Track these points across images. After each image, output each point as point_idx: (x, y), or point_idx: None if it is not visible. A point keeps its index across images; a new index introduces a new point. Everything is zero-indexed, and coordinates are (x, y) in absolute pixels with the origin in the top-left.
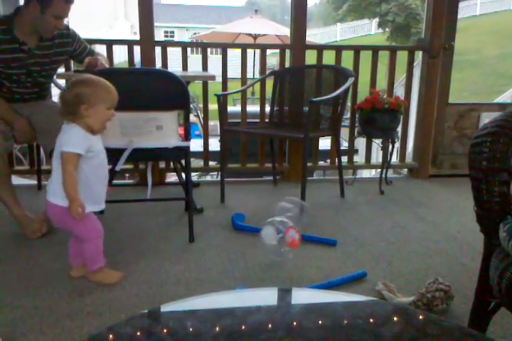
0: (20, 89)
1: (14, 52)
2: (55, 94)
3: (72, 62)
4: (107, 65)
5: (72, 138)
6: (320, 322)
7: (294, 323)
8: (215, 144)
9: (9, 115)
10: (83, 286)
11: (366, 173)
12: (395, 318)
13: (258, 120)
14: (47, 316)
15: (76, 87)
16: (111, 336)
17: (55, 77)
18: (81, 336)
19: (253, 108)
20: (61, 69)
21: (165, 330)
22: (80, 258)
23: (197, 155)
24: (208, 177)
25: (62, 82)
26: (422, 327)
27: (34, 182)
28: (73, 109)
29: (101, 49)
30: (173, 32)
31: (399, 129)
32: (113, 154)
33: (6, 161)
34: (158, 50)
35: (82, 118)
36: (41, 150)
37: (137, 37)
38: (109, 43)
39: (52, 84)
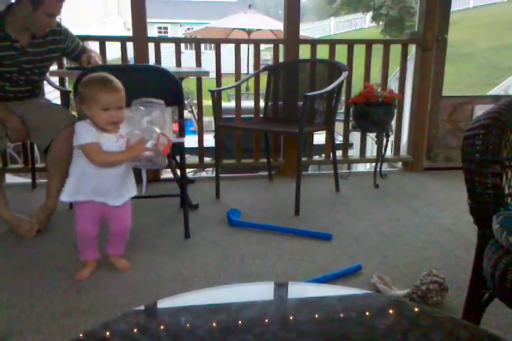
0: (13, 87)
1: (6, 50)
2: (48, 91)
3: (64, 59)
4: (100, 62)
5: (79, 132)
6: (314, 315)
7: (288, 317)
8: (210, 140)
9: (2, 113)
10: (79, 284)
11: (361, 167)
12: (389, 311)
13: (252, 115)
14: (43, 314)
15: (79, 86)
16: (106, 332)
17: (47, 74)
18: (77, 333)
19: (248, 103)
20: (54, 67)
21: (160, 326)
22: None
23: (192, 151)
24: (204, 174)
25: (55, 79)
26: (416, 319)
27: (28, 180)
28: (79, 108)
29: (94, 46)
30: (166, 28)
31: (393, 123)
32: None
33: None
34: (151, 46)
35: (87, 116)
36: (35, 148)
37: (130, 33)
38: (102, 40)
39: (45, 82)
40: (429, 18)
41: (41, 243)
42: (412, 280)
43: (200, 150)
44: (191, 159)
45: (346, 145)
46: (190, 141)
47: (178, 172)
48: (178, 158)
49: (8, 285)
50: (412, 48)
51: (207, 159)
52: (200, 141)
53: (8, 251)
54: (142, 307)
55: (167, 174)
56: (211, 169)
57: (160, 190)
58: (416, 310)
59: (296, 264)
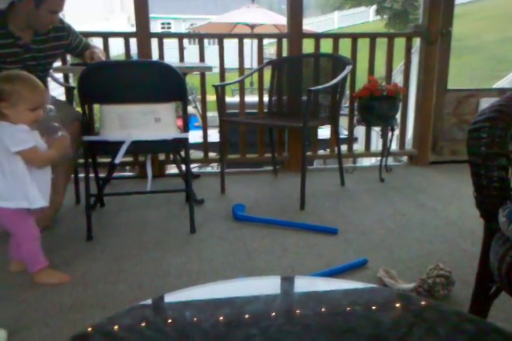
0: None
1: (10, 47)
2: (52, 88)
3: (68, 55)
4: (104, 58)
5: (17, 136)
6: (319, 309)
7: (294, 311)
8: (214, 135)
9: None
10: (86, 279)
11: (366, 161)
12: (394, 304)
13: (256, 110)
14: (50, 309)
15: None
16: (112, 326)
17: (51, 71)
18: (84, 328)
19: (252, 98)
20: (58, 63)
21: (165, 320)
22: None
23: (197, 146)
24: (208, 169)
25: (59, 75)
26: (421, 313)
27: None
28: None
29: (97, 42)
30: (169, 23)
31: (398, 116)
32: (112, 147)
33: None
34: (154, 41)
35: (3, 116)
36: None
37: (134, 29)
38: (105, 36)
39: (50, 79)
40: (433, 11)
41: (48, 239)
42: (419, 274)
43: (205, 146)
44: (196, 154)
45: (351, 139)
46: (195, 136)
47: (183, 167)
48: (182, 153)
49: (15, 281)
50: (417, 42)
51: (211, 154)
52: (205, 136)
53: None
54: (148, 302)
55: (172, 169)
56: (216, 164)
57: (165, 185)
58: (421, 303)
59: (302, 258)
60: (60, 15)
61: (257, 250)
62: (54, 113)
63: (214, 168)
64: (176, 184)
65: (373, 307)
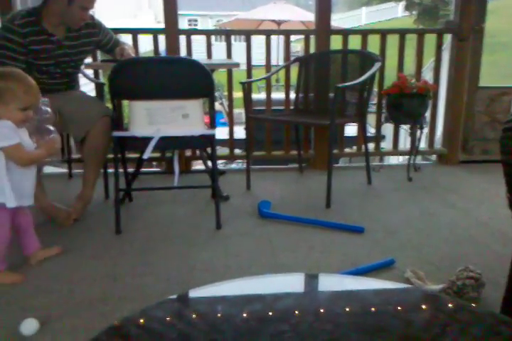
0: (50, 80)
1: (43, 44)
2: (83, 83)
3: (98, 52)
4: (133, 55)
5: (1, 132)
6: (350, 308)
7: (324, 308)
8: (239, 132)
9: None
10: (115, 271)
11: (393, 160)
12: (426, 305)
13: (283, 107)
14: (81, 300)
15: None
16: (143, 318)
17: (82, 67)
18: (114, 320)
19: (278, 95)
20: (88, 60)
21: (196, 314)
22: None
23: (222, 143)
24: (233, 165)
25: (89, 72)
26: (454, 313)
27: (65, 170)
28: None
29: (126, 38)
30: (196, 20)
31: (427, 114)
32: (140, 142)
33: None
34: (182, 38)
35: None
36: (71, 139)
37: (161, 25)
38: (135, 32)
39: (80, 74)
40: (465, 7)
41: (78, 232)
42: (447, 276)
43: (231, 142)
44: (221, 151)
45: (378, 137)
46: (220, 132)
47: (209, 163)
48: (208, 149)
49: (47, 272)
50: (447, 38)
51: (237, 151)
52: (231, 132)
53: (47, 239)
54: (179, 295)
55: (198, 165)
56: (241, 161)
57: (191, 181)
58: (454, 304)
59: (328, 257)
60: (91, 12)
61: (282, 247)
62: (49, 115)
63: (239, 164)
64: (201, 180)
65: (405, 308)
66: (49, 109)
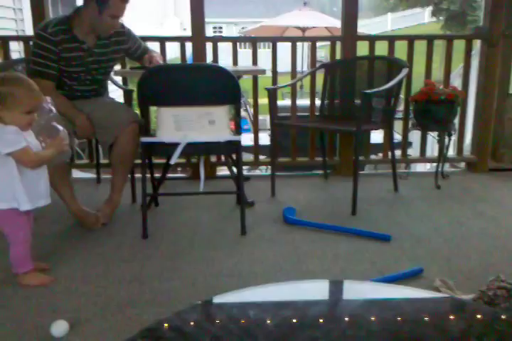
0: (81, 86)
1: (74, 51)
2: (111, 90)
3: (126, 59)
4: (161, 62)
5: (7, 138)
6: (384, 315)
7: (357, 316)
8: (263, 138)
9: (71, 112)
10: (142, 275)
11: (420, 167)
12: (463, 314)
13: (307, 113)
14: (108, 303)
15: None
16: (178, 321)
17: (112, 74)
18: (141, 323)
19: (302, 101)
20: (117, 67)
21: (229, 318)
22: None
23: (246, 149)
24: (257, 172)
25: (118, 78)
26: (491, 323)
27: (93, 175)
28: None
29: (153, 46)
30: (221, 27)
31: (456, 121)
32: (167, 148)
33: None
34: (208, 45)
35: None
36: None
37: (186, 33)
38: (162, 40)
39: (109, 81)
40: (495, 12)
41: (106, 236)
42: (477, 285)
43: (255, 148)
44: (245, 157)
45: (405, 144)
46: (244, 139)
47: (234, 169)
48: (233, 155)
49: (76, 275)
50: (477, 44)
51: (261, 157)
52: (256, 139)
53: (76, 242)
54: (210, 300)
55: (222, 171)
56: (265, 167)
57: (216, 186)
58: (491, 314)
59: (354, 265)
60: (120, 20)
61: (307, 254)
62: (53, 113)
63: (263, 170)
64: (226, 186)
65: (441, 316)
66: (53, 108)
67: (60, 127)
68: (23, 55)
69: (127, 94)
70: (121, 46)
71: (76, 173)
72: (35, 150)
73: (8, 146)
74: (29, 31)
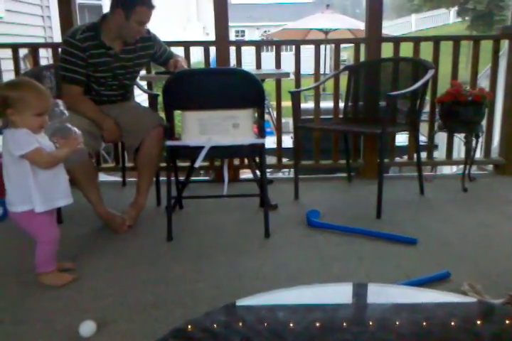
0: (107, 91)
1: (102, 57)
2: (136, 94)
3: (151, 64)
4: (186, 66)
5: (19, 140)
6: (414, 319)
7: (387, 319)
8: (286, 141)
9: (99, 116)
10: (167, 277)
11: (446, 170)
12: (494, 318)
13: (330, 116)
14: (134, 304)
15: (4, 90)
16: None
17: (138, 79)
18: (167, 324)
19: (325, 104)
20: (143, 72)
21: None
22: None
23: (268, 152)
24: (280, 174)
25: (143, 83)
26: None
27: (119, 178)
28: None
29: (177, 50)
30: (244, 31)
31: (483, 123)
32: (192, 151)
33: (94, 161)
34: (231, 49)
35: (10, 122)
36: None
37: (209, 37)
38: (187, 45)
39: (135, 86)
40: None
41: (132, 238)
42: (506, 290)
43: (279, 151)
44: (268, 160)
45: (431, 146)
46: (268, 141)
47: (257, 172)
48: (257, 158)
49: (103, 276)
50: (505, 44)
51: (284, 160)
52: (279, 141)
53: (102, 244)
54: (240, 301)
55: (245, 174)
56: (287, 170)
57: (239, 189)
58: None
59: (379, 268)
60: (146, 26)
61: (331, 257)
62: (66, 116)
63: (285, 173)
64: (249, 188)
65: (472, 321)
66: (65, 111)
67: (74, 128)
68: (51, 62)
69: (152, 98)
70: (147, 51)
71: (102, 176)
72: (48, 150)
73: (20, 148)
74: (57, 38)
